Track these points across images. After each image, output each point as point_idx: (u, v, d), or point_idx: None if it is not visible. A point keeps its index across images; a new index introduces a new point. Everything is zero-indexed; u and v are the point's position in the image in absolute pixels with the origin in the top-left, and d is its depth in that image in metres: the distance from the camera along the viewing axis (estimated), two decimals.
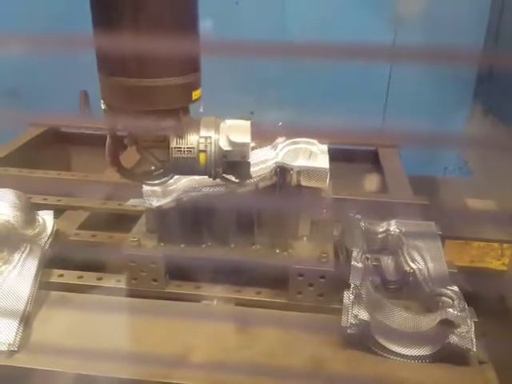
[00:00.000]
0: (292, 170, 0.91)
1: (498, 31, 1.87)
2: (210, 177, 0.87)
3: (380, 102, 2.14)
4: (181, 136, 0.83)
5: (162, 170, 0.90)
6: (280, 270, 0.91)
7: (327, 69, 1.88)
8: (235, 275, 0.95)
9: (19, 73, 1.98)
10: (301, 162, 0.93)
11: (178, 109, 0.83)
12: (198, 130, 0.84)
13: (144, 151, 0.88)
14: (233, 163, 0.85)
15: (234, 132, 0.83)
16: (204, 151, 0.83)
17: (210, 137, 0.84)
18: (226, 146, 0.83)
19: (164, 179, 0.91)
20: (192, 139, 0.84)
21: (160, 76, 0.79)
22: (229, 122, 0.85)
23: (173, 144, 0.84)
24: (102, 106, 0.84)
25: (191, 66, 0.83)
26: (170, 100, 0.81)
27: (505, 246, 1.21)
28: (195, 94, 0.84)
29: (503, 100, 1.80)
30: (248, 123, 0.85)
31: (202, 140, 0.83)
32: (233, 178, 0.89)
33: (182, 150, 0.84)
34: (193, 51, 0.82)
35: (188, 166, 0.85)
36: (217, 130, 0.84)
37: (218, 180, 0.91)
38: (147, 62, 0.78)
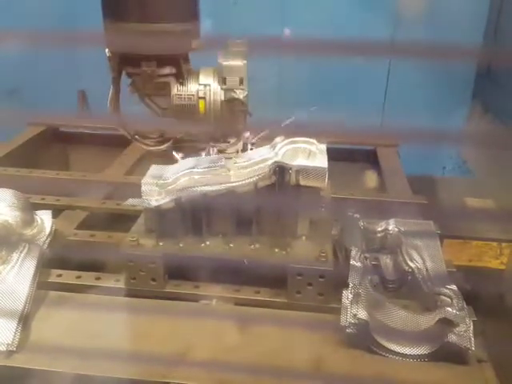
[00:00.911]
0: (291, 169, 0.91)
1: (497, 28, 1.87)
2: (209, 127, 0.92)
3: (379, 102, 2.14)
4: (181, 83, 0.88)
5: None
6: (279, 270, 0.91)
7: (325, 67, 1.89)
8: (234, 275, 0.95)
9: (18, 72, 1.98)
10: (300, 161, 0.93)
11: (178, 55, 0.87)
12: (197, 79, 0.88)
13: (146, 98, 0.91)
14: (231, 102, 0.87)
15: (229, 56, 0.87)
16: (203, 98, 0.88)
17: (209, 84, 0.88)
18: (224, 60, 0.87)
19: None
20: (192, 87, 0.88)
21: (159, 21, 0.82)
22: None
23: (174, 91, 0.88)
24: (107, 53, 0.87)
25: (190, 14, 0.86)
26: (169, 45, 0.85)
27: (503, 245, 1.21)
28: (194, 43, 0.87)
29: (502, 98, 1.81)
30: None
31: (202, 87, 0.88)
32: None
33: (183, 96, 0.88)
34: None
35: (188, 112, 0.89)
36: (215, 78, 0.88)
37: (216, 179, 0.91)
38: (147, 6, 0.82)
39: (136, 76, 0.88)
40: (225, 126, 0.92)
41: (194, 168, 0.98)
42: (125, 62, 0.87)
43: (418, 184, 1.41)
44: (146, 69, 0.85)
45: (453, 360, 0.79)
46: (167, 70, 0.87)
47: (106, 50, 0.87)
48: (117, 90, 0.91)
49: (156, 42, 0.83)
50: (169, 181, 0.99)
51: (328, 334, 0.84)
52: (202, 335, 0.85)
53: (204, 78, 0.89)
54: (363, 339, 0.81)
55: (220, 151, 0.95)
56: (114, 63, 0.87)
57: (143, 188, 0.97)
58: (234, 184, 0.94)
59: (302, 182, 0.93)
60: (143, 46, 0.83)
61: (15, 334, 0.81)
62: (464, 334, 0.78)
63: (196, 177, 0.96)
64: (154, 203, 0.95)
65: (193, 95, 0.88)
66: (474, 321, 0.80)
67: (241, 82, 0.87)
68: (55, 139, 1.79)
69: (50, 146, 1.75)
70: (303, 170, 0.92)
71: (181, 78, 0.88)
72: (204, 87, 0.88)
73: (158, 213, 0.96)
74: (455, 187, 1.64)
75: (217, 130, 0.93)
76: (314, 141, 1.00)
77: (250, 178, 0.93)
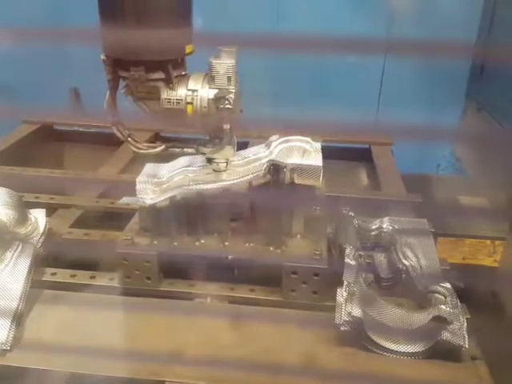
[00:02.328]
0: (286, 167, 0.92)
1: (492, 23, 1.87)
2: (197, 129, 0.94)
3: (373, 102, 2.15)
4: (171, 88, 0.89)
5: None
6: (274, 268, 0.91)
7: (319, 64, 1.90)
8: (229, 273, 0.96)
9: (9, 68, 1.97)
10: (294, 159, 0.93)
11: (167, 61, 0.88)
12: (186, 84, 0.90)
13: (139, 101, 0.93)
14: (218, 101, 0.88)
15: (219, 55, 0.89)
16: (191, 103, 0.89)
17: (197, 90, 0.89)
18: (213, 59, 0.88)
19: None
20: (181, 92, 0.90)
21: (149, 27, 0.84)
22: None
23: (163, 95, 0.90)
24: (102, 57, 0.89)
25: (181, 20, 0.88)
26: (158, 52, 0.87)
27: (497, 242, 1.22)
28: (188, 48, 0.89)
29: (495, 97, 1.81)
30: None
31: (190, 93, 0.89)
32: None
33: (172, 101, 0.90)
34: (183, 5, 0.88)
35: (177, 116, 0.91)
36: (204, 84, 0.90)
37: (211, 177, 0.91)
38: (139, 13, 0.84)
39: (128, 79, 0.90)
40: (211, 127, 0.93)
41: (188, 166, 0.98)
42: (118, 65, 0.89)
43: (412, 182, 1.42)
44: (134, 73, 0.87)
45: (447, 357, 0.80)
46: (156, 75, 0.89)
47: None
48: (112, 93, 0.92)
49: (143, 48, 0.85)
50: (163, 179, 0.99)
51: (322, 332, 0.85)
52: (196, 333, 0.85)
53: (193, 84, 0.90)
54: (358, 337, 0.81)
55: (209, 159, 0.96)
56: (108, 66, 0.89)
57: (138, 186, 0.97)
58: (228, 182, 0.94)
59: (297, 181, 0.93)
60: (131, 52, 0.85)
61: (9, 332, 0.81)
62: (458, 331, 0.79)
63: (190, 175, 0.96)
64: (148, 202, 0.95)
65: (181, 100, 0.90)
66: (467, 318, 0.81)
67: (229, 80, 0.88)
68: (50, 137, 1.78)
69: (45, 144, 1.74)
70: (298, 169, 0.92)
71: (170, 82, 0.89)
72: (192, 92, 0.89)
73: (153, 211, 0.96)
74: (449, 185, 1.65)
75: (203, 131, 0.94)
76: (309, 139, 1.00)
77: (245, 176, 0.93)
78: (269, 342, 0.84)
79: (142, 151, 0.97)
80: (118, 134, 0.95)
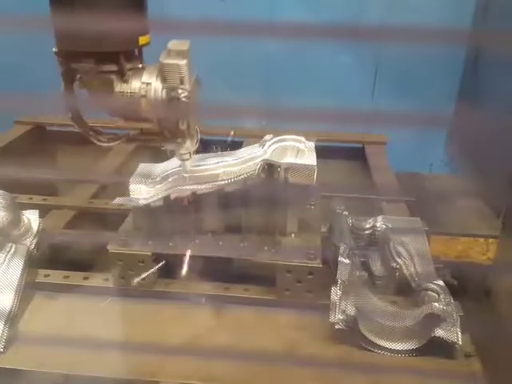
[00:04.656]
0: (280, 167, 0.92)
1: (486, 9, 1.88)
2: (152, 125, 0.89)
3: (368, 95, 2.16)
4: (125, 81, 0.86)
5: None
6: (268, 267, 0.91)
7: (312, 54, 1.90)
8: (224, 273, 0.96)
9: None
10: (288, 159, 0.93)
11: (118, 53, 0.84)
12: (141, 76, 0.86)
13: (93, 94, 0.89)
14: (172, 102, 0.85)
15: (174, 45, 0.84)
16: (145, 96, 0.86)
17: (151, 83, 0.85)
18: (165, 59, 0.84)
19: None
20: (135, 85, 0.86)
21: (99, 17, 0.79)
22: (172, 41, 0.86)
23: (116, 88, 0.86)
24: (53, 49, 0.85)
25: (135, 10, 0.84)
26: (109, 43, 0.83)
27: (490, 240, 1.23)
28: (142, 40, 0.85)
29: (488, 95, 1.82)
30: (187, 41, 0.85)
31: (144, 86, 0.86)
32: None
33: (125, 94, 0.86)
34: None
35: (131, 110, 0.87)
36: (159, 77, 0.86)
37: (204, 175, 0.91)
38: (89, 2, 0.79)
39: (80, 72, 0.87)
40: (167, 122, 0.89)
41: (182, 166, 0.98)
42: (69, 57, 0.85)
43: (406, 181, 1.42)
44: (85, 65, 0.83)
45: (440, 355, 0.80)
46: (107, 67, 0.85)
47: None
48: (67, 86, 0.88)
49: (93, 39, 0.81)
50: (157, 179, 0.99)
51: (317, 330, 0.85)
52: (190, 334, 0.85)
53: (147, 76, 0.86)
54: (352, 335, 0.82)
55: (172, 152, 0.94)
56: (60, 58, 0.86)
57: (131, 187, 0.97)
58: (222, 182, 0.94)
59: (291, 180, 0.93)
60: (80, 43, 0.81)
61: (2, 334, 0.81)
62: (451, 328, 0.79)
63: (185, 175, 0.96)
64: (142, 202, 0.95)
65: (135, 93, 0.86)
66: (460, 316, 0.81)
67: (181, 81, 0.84)
68: (42, 138, 1.77)
69: (37, 145, 1.73)
70: (292, 168, 0.92)
71: (123, 75, 0.86)
72: (146, 85, 0.86)
73: (147, 211, 0.95)
74: (441, 184, 1.66)
75: (159, 126, 0.90)
76: (303, 138, 1.00)
77: (239, 176, 0.93)
78: (262, 340, 0.84)
79: (104, 144, 0.94)
80: (78, 129, 0.92)
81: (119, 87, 0.86)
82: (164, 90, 0.85)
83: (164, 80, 0.85)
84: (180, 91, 0.84)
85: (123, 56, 0.85)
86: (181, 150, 0.93)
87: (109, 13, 0.79)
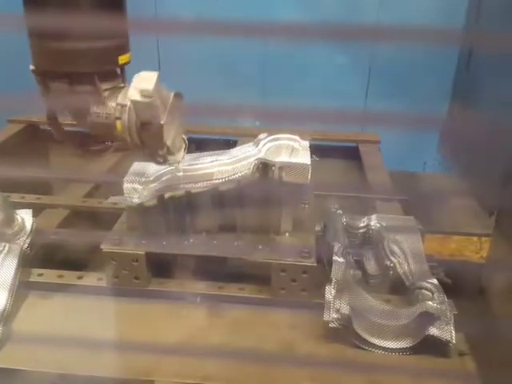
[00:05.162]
0: (274, 165, 0.92)
1: (479, 8, 1.88)
2: (128, 145, 0.87)
3: (361, 95, 2.16)
4: (101, 102, 0.84)
5: None
6: (263, 266, 0.91)
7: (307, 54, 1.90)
8: (218, 272, 0.95)
9: None
10: (283, 158, 0.93)
11: (92, 73, 0.83)
12: (117, 98, 0.85)
13: (70, 114, 0.89)
14: (146, 127, 0.83)
15: (140, 81, 0.81)
16: (119, 118, 0.84)
17: (126, 105, 0.83)
18: (133, 96, 0.81)
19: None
20: (111, 105, 0.84)
21: (75, 40, 0.80)
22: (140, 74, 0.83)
23: (92, 109, 0.84)
24: (30, 67, 0.84)
25: (112, 30, 0.83)
26: (83, 63, 0.82)
27: (483, 239, 1.23)
28: (122, 59, 0.84)
29: (481, 95, 1.83)
30: (155, 74, 0.81)
31: (119, 107, 0.84)
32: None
33: (101, 115, 0.84)
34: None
35: (107, 130, 0.85)
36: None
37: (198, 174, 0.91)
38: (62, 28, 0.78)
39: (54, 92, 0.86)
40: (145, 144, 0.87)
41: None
42: (45, 75, 0.84)
43: (400, 180, 1.43)
44: (59, 84, 0.82)
45: (434, 353, 0.81)
46: (80, 88, 0.84)
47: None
48: (47, 103, 0.88)
49: (66, 58, 0.80)
50: (151, 178, 0.98)
51: (312, 329, 0.85)
52: (184, 333, 0.85)
53: (122, 98, 0.84)
54: (346, 334, 0.82)
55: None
56: (37, 76, 0.85)
57: (125, 186, 0.96)
58: (217, 181, 0.94)
59: (286, 179, 0.93)
60: (54, 62, 0.81)
61: None
62: (445, 327, 0.80)
63: (179, 174, 0.96)
64: (136, 201, 0.94)
65: (110, 114, 0.84)
66: (454, 314, 0.82)
67: (153, 117, 0.82)
68: (35, 137, 1.76)
69: (30, 144, 1.72)
70: (286, 167, 0.92)
71: (98, 96, 0.84)
72: (121, 107, 0.83)
73: (141, 211, 0.95)
74: (435, 183, 1.67)
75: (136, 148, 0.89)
76: (297, 137, 1.00)
77: (234, 175, 0.93)
78: (257, 338, 0.84)
79: (91, 155, 0.93)
80: (55, 134, 0.92)
81: (95, 108, 0.84)
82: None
83: (137, 113, 0.83)
84: (154, 126, 0.82)
85: (99, 76, 0.83)
86: (168, 162, 0.92)
87: (85, 31, 0.78)
